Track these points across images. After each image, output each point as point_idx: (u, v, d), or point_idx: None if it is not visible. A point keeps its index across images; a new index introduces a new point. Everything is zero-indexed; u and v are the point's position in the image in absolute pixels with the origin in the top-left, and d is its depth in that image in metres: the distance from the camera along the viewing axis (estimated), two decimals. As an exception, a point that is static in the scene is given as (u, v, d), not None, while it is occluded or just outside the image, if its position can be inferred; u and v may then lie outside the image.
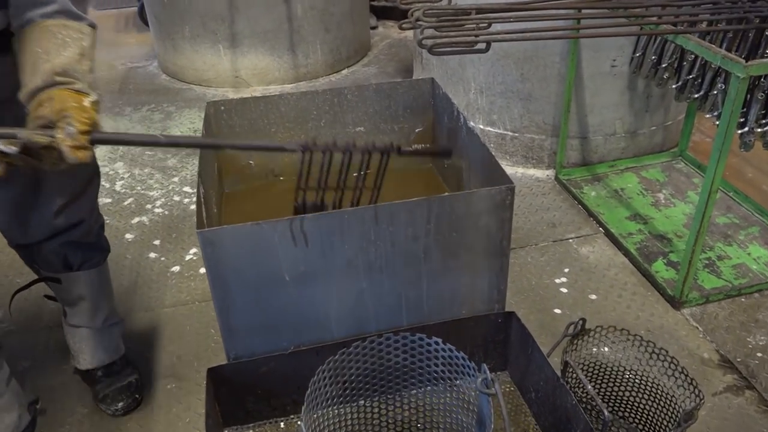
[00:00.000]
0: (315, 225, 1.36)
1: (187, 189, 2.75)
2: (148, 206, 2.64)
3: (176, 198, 2.69)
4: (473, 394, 1.31)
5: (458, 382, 1.37)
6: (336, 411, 1.42)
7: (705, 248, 2.27)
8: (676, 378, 1.52)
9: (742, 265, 2.20)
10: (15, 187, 1.41)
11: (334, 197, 1.44)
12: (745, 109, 1.90)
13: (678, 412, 1.49)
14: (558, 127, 2.65)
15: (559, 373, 1.47)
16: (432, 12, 1.63)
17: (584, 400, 1.57)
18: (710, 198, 1.83)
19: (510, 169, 2.81)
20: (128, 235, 2.47)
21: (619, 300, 2.11)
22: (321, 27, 3.79)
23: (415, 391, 1.49)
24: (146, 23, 4.15)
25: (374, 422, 1.52)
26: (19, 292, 1.71)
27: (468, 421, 1.38)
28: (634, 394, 1.62)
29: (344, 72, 4.03)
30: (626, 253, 2.28)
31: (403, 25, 1.62)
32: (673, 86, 2.22)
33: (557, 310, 2.06)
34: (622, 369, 1.62)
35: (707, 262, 2.22)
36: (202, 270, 2.25)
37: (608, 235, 2.39)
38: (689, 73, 2.14)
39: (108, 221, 2.51)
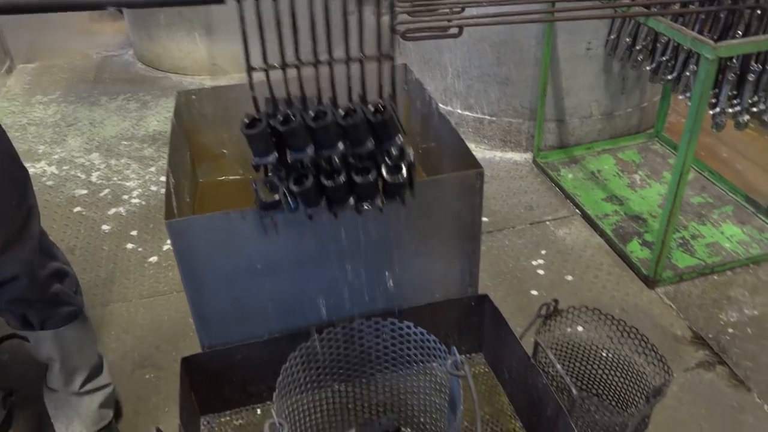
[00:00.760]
0: (285, 213, 1.36)
1: (164, 179, 2.73)
2: (125, 197, 2.63)
3: (153, 188, 2.68)
4: (445, 376, 1.33)
5: (431, 365, 1.39)
6: (310, 396, 1.43)
7: (679, 228, 2.30)
8: (647, 355, 1.54)
9: (716, 243, 2.23)
10: None
11: None
12: (716, 90, 1.92)
13: (648, 388, 1.52)
14: (535, 111, 2.66)
15: (531, 354, 1.49)
16: (404, -4, 1.62)
17: (555, 379, 1.59)
18: (682, 177, 1.85)
19: (488, 153, 2.82)
20: (105, 227, 2.45)
21: (595, 280, 2.13)
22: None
23: (388, 375, 1.50)
24: (121, 12, 4.10)
25: (349, 407, 1.54)
26: None
27: (441, 403, 1.39)
28: (606, 372, 1.65)
29: (323, 58, 4.01)
30: (602, 234, 2.31)
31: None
32: (648, 68, 2.23)
33: (534, 292, 2.09)
34: (594, 348, 1.65)
35: (681, 241, 2.24)
36: (180, 260, 2.24)
37: (585, 216, 2.41)
38: (663, 55, 2.15)
39: (84, 212, 2.53)
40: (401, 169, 1.07)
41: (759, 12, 1.80)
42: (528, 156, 2.79)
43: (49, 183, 2.73)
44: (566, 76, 2.63)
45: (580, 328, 1.67)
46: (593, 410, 1.63)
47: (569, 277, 2.15)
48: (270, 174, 1.10)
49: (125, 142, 3.01)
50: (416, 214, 1.45)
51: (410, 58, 2.96)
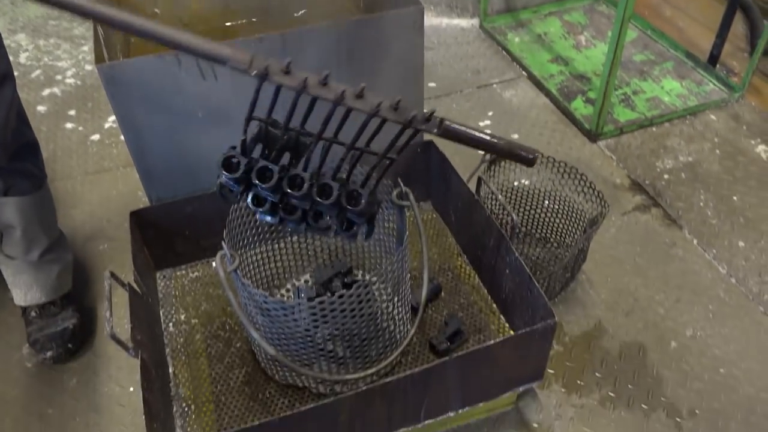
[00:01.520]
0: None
1: (99, 58, 2.61)
2: (58, 77, 2.50)
3: (88, 67, 2.55)
4: (393, 212, 1.36)
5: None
6: (264, 247, 1.46)
7: (621, 84, 2.34)
8: (585, 193, 1.61)
9: (656, 98, 2.29)
10: None
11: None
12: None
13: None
14: (481, -27, 2.59)
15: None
16: None
17: (496, 212, 1.65)
18: (622, 29, 1.85)
19: (434, 20, 2.76)
20: (40, 107, 2.35)
21: (540, 137, 2.18)
22: None
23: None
24: None
25: (302, 255, 1.58)
26: None
27: (389, 241, 1.44)
28: (547, 213, 1.72)
29: None
30: (547, 93, 2.33)
31: None
32: None
33: (481, 152, 2.12)
34: (536, 190, 1.71)
35: (623, 97, 2.29)
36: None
37: (531, 78, 2.42)
38: None
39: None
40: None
41: None
42: (475, 21, 2.74)
43: (-26, 67, 2.56)
44: (513, -65, 2.55)
45: (520, 172, 1.72)
46: (534, 244, 1.72)
47: (515, 135, 2.19)
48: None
49: (53, 22, 2.83)
50: (357, 55, 1.43)
51: None
